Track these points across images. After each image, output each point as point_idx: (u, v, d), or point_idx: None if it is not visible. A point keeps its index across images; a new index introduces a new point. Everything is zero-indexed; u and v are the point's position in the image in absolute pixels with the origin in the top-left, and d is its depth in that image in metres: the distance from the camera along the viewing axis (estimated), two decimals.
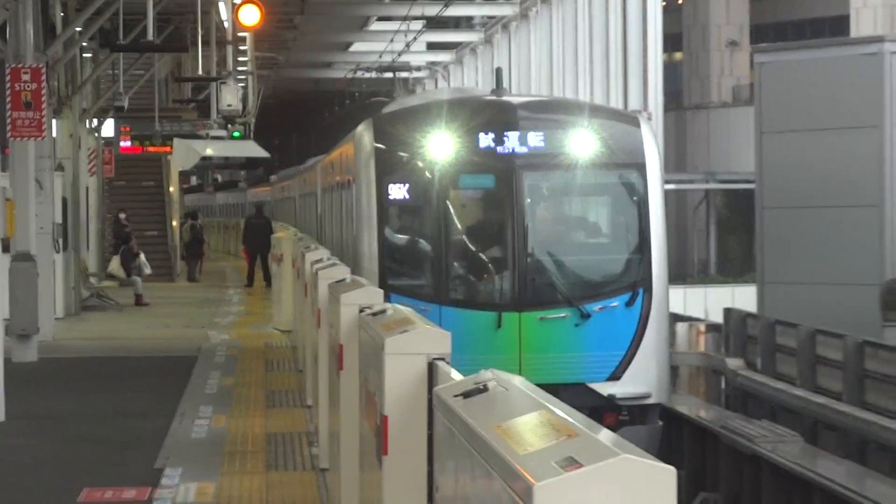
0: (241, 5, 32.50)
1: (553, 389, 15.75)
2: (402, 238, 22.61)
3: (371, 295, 14.96)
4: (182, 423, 23.00)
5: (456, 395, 7.92)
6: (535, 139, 21.46)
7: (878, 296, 39.81)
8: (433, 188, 21.39)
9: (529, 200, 21.31)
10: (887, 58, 41.70)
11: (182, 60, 44.16)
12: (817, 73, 44.10)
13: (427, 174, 21.48)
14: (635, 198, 21.58)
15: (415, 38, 61.55)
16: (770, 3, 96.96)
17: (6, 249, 27.10)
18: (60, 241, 37.96)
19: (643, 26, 36.12)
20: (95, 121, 48.65)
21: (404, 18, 54.65)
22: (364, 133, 22.31)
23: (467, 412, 7.22)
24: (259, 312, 43.17)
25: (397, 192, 21.75)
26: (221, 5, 34.44)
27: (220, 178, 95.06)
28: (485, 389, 7.51)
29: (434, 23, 55.28)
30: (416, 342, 10.59)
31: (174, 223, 62.23)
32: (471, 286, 21.92)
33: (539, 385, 18.44)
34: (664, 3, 35.61)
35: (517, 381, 7.83)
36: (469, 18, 62.14)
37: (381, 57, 64.51)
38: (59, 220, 37.40)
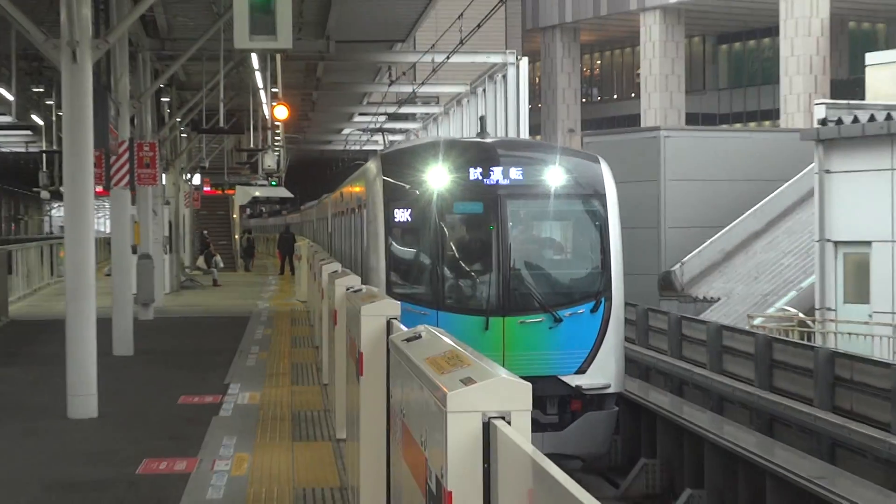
0: (275, 106, 32.68)
1: (531, 380, 16.38)
2: (404, 254, 19.35)
3: (355, 280, 14.71)
4: (240, 357, 22.75)
5: (402, 340, 7.97)
6: (516, 173, 18.41)
7: (657, 280, 42.11)
8: (431, 213, 18.36)
9: (511, 224, 18.49)
10: (662, 139, 44.95)
11: (241, 138, 45.04)
12: (623, 148, 44.69)
13: (425, 201, 18.41)
14: (597, 222, 18.67)
15: (384, 122, 54.89)
16: (593, 106, 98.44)
17: (134, 252, 26.15)
18: (167, 247, 38.70)
19: (517, 122, 34.59)
20: (188, 175, 51.34)
21: (375, 113, 52.00)
22: (373, 167, 19.62)
23: (408, 350, 7.40)
24: (287, 291, 42.29)
25: (401, 215, 18.53)
26: (265, 106, 35.10)
27: (264, 209, 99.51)
28: (419, 337, 7.76)
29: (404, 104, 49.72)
30: (379, 308, 10.49)
31: (236, 236, 69.15)
32: (463, 294, 18.94)
33: (518, 377, 17.46)
34: (529, 107, 34.38)
35: (438, 331, 8.08)
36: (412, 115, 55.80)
37: (367, 133, 61.64)
38: (166, 234, 38.56)
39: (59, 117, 34.57)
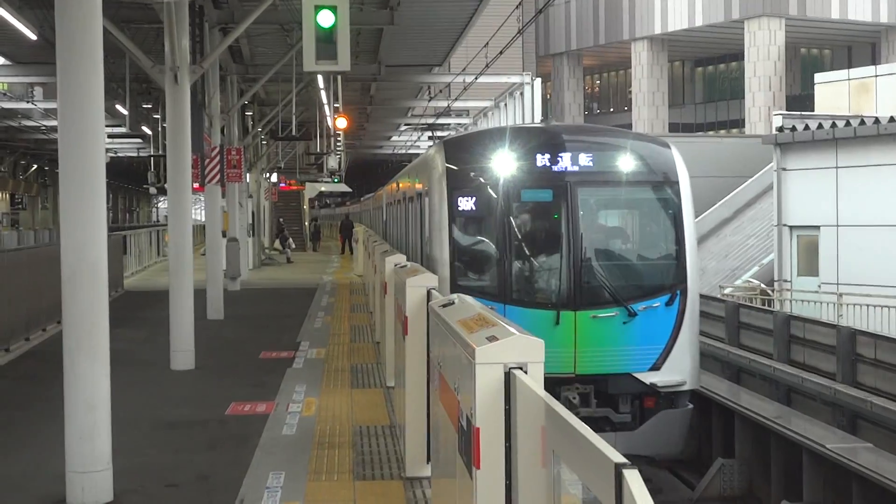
0: (336, 118, 32.72)
1: (603, 378, 13.88)
2: (469, 244, 15.93)
3: (401, 258, 14.39)
4: (309, 320, 22.66)
5: (439, 306, 7.87)
6: (585, 159, 15.12)
7: None
8: (497, 201, 15.18)
9: (582, 212, 15.17)
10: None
11: (309, 144, 45.09)
12: None
13: (491, 189, 15.26)
14: (671, 211, 15.33)
15: (433, 123, 51.69)
16: (594, 118, 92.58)
17: (224, 236, 26.20)
18: (250, 232, 38.64)
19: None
20: (267, 174, 51.26)
21: (418, 125, 53.11)
22: (435, 155, 16.28)
23: (444, 314, 7.35)
24: (346, 267, 41.86)
25: (465, 204, 15.32)
26: (328, 118, 35.15)
27: (328, 201, 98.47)
28: (452, 303, 7.70)
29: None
30: (421, 280, 10.38)
31: (305, 223, 68.65)
32: (531, 288, 15.58)
33: (591, 375, 14.05)
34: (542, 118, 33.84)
35: (469, 299, 7.95)
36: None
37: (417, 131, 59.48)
38: (249, 222, 38.53)
39: (163, 128, 34.89)
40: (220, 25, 22.94)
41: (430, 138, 50.69)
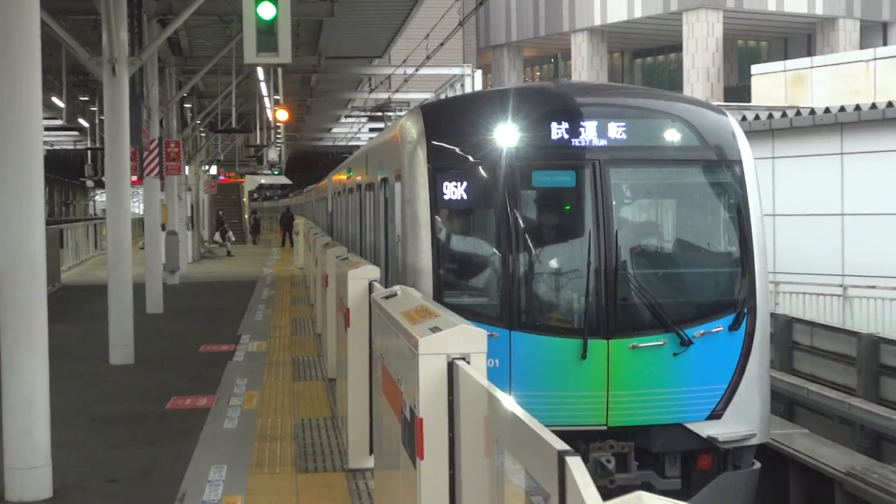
0: (277, 110, 32.62)
1: (645, 431, 9.58)
2: (459, 247, 11.45)
3: (342, 250, 13.86)
4: (249, 313, 22.56)
5: (382, 298, 7.68)
6: (616, 130, 10.56)
7: None
8: (498, 187, 10.59)
9: (616, 203, 10.68)
10: None
11: (249, 136, 44.99)
12: None
13: (489, 170, 10.67)
14: (733, 200, 10.82)
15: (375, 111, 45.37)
16: None
17: (163, 229, 25.81)
18: (190, 225, 38.37)
19: None
20: (207, 166, 50.77)
21: (359, 115, 49.92)
22: (411, 125, 11.21)
23: (387, 306, 7.20)
24: (287, 259, 42.03)
25: (453, 191, 10.71)
26: (269, 110, 35.10)
27: (268, 193, 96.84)
28: (395, 295, 7.53)
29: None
30: (363, 273, 9.97)
31: (245, 216, 68.67)
32: (548, 307, 10.92)
33: (629, 427, 9.55)
34: None
35: (411, 291, 7.73)
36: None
37: (353, 129, 60.84)
38: (189, 214, 38.21)
39: (100, 121, 34.75)
40: (158, 17, 22.75)
41: (376, 118, 48.56)
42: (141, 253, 23.32)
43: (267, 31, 11.45)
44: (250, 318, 21.52)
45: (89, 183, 52.41)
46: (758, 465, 10.07)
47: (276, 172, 58.20)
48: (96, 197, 74.00)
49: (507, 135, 10.04)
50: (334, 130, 65.10)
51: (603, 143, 9.99)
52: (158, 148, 23.73)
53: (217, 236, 51.86)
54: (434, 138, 10.21)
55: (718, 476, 9.73)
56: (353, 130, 62.65)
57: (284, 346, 17.41)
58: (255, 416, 11.96)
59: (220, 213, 57.84)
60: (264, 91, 31.57)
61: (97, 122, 37.03)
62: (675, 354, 9.60)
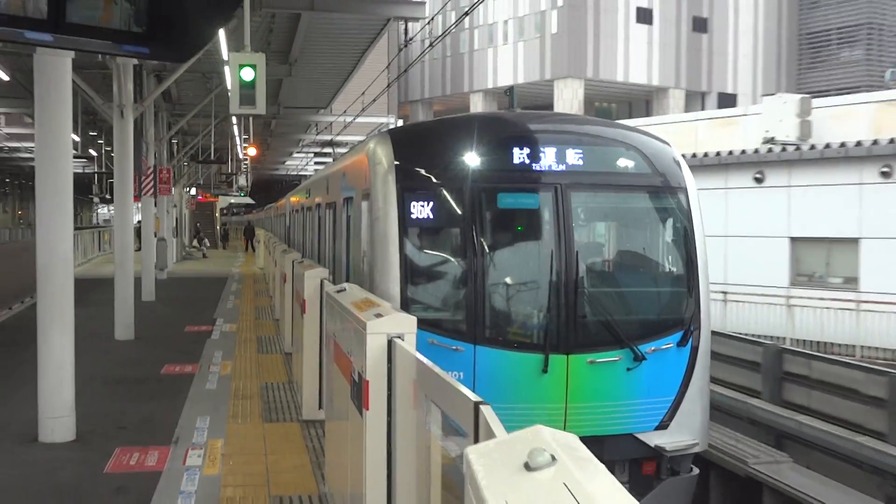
0: (247, 147, 32.58)
1: (598, 441, 7.95)
2: (426, 264, 9.18)
3: (296, 255, 13.87)
4: (222, 302, 22.41)
5: (334, 292, 7.42)
6: (574, 157, 8.94)
7: None
8: (464, 208, 8.79)
9: (576, 225, 8.95)
10: None
11: (222, 166, 44.37)
12: None
13: (455, 192, 8.83)
14: (680, 225, 9.36)
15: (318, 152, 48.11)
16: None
17: (155, 236, 25.32)
18: (175, 233, 37.62)
19: None
20: (189, 188, 49.75)
21: (307, 152, 51.09)
22: (378, 148, 9.24)
23: (339, 298, 6.96)
24: (250, 262, 40.91)
25: (420, 211, 8.80)
26: (238, 147, 34.69)
27: (235, 210, 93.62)
28: (344, 290, 7.32)
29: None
30: (316, 273, 10.00)
31: (217, 227, 65.98)
32: (511, 323, 8.98)
33: (582, 438, 8.41)
34: None
35: (356, 287, 7.41)
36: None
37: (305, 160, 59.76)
38: (174, 225, 37.41)
39: (107, 151, 34.30)
40: (155, 73, 22.55)
41: (321, 155, 48.23)
42: (138, 254, 22.95)
43: (247, 90, 11.50)
44: (223, 305, 21.37)
45: (95, 199, 51.50)
46: (696, 470, 8.61)
47: (242, 194, 57.59)
48: (99, 210, 72.70)
49: (471, 158, 8.49)
50: (287, 163, 64.54)
51: (562, 167, 8.50)
52: (153, 174, 23.51)
53: (195, 242, 50.77)
54: (401, 160, 8.55)
55: (664, 481, 8.36)
56: (302, 163, 61.99)
57: (250, 328, 17.28)
58: (229, 380, 11.97)
59: (198, 224, 56.42)
60: (236, 132, 31.33)
61: (103, 152, 36.55)
62: (628, 369, 8.21)
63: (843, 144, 23.36)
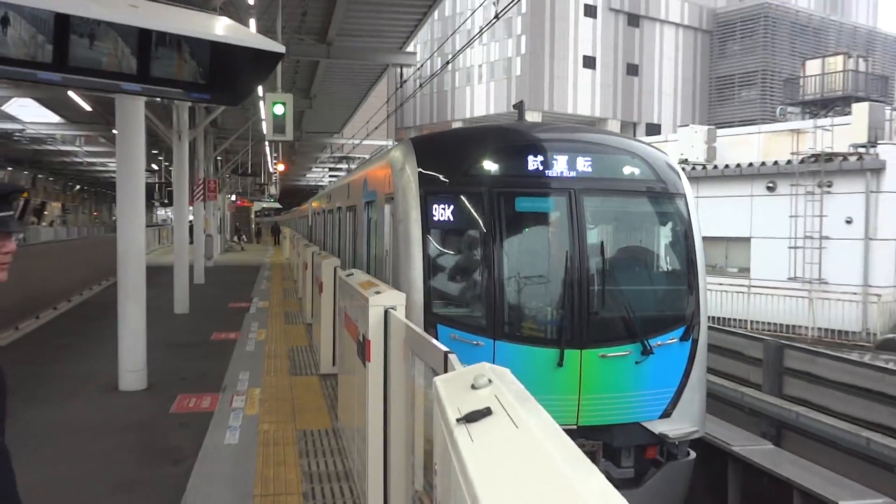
0: (277, 164, 32.17)
1: (608, 430, 7.17)
2: (447, 264, 7.46)
3: (316, 248, 13.79)
4: (257, 284, 22.20)
5: (345, 276, 7.41)
6: (584, 164, 7.50)
7: None
8: (483, 211, 7.24)
9: (588, 227, 7.45)
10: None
11: (257, 178, 44.15)
12: None
13: (474, 196, 7.28)
14: (681, 227, 7.83)
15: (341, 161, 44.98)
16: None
17: (205, 232, 25.08)
18: (219, 230, 37.00)
19: None
20: (230, 195, 48.45)
21: (323, 167, 50.38)
22: (401, 155, 7.76)
23: (349, 280, 6.85)
24: (278, 254, 39.90)
25: (442, 213, 7.27)
26: (270, 163, 34.55)
27: (266, 213, 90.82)
28: (352, 274, 7.21)
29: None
30: (331, 262, 10.00)
31: (252, 226, 64.89)
32: (529, 320, 7.37)
33: (593, 427, 6.86)
34: None
35: (361, 272, 7.31)
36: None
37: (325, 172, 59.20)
38: (219, 224, 36.82)
39: (166, 166, 34.16)
40: (205, 105, 22.56)
41: (335, 169, 47.83)
42: (191, 247, 23.00)
43: (279, 121, 11.47)
44: (257, 287, 21.26)
45: (156, 204, 51.24)
46: (693, 454, 7.47)
47: (272, 200, 57.24)
48: (158, 212, 72.20)
49: (489, 165, 7.35)
50: (308, 175, 64.17)
51: (574, 174, 7.39)
52: (203, 184, 23.52)
53: (235, 238, 50.64)
54: (423, 166, 7.39)
55: (665, 465, 7.27)
56: (319, 175, 61.62)
57: (279, 304, 17.21)
58: (263, 344, 11.96)
59: (237, 224, 56.10)
60: (268, 151, 31.35)
61: (163, 167, 36.46)
62: (636, 362, 7.18)
63: (738, 165, 23.80)
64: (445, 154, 7.60)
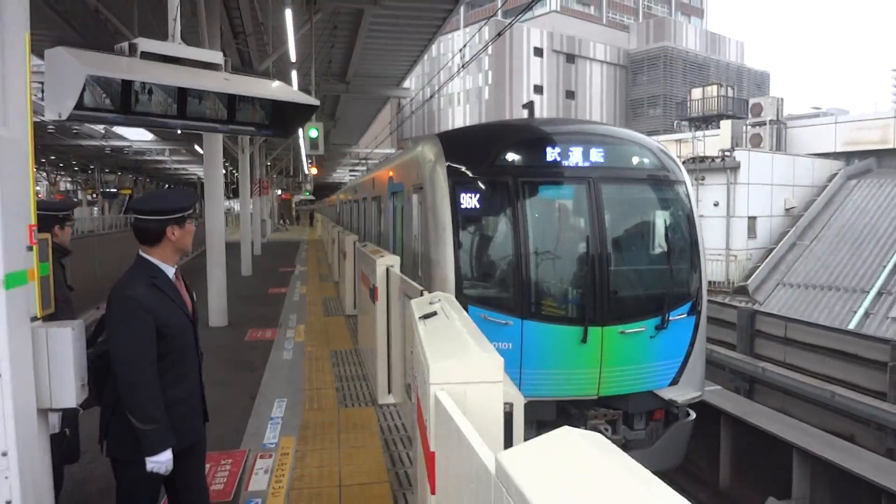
0: (311, 167, 31.63)
1: (624, 398, 5.99)
2: (477, 248, 5.79)
3: (340, 228, 13.30)
4: (298, 253, 21.83)
5: (361, 246, 7.50)
6: (598, 154, 5.87)
7: None
8: (508, 199, 5.66)
9: (608, 213, 5.79)
10: None
11: (296, 178, 43.95)
12: None
13: (500, 186, 5.70)
14: (684, 211, 6.16)
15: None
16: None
17: (258, 219, 24.41)
18: (270, 216, 35.98)
19: None
20: (278, 190, 47.80)
21: (346, 169, 49.30)
22: (428, 149, 6.23)
23: (363, 250, 6.99)
24: (312, 233, 38.42)
25: (469, 202, 5.63)
26: (306, 166, 34.61)
27: (304, 203, 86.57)
28: (366, 245, 7.30)
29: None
30: (351, 238, 9.71)
31: (293, 213, 63.26)
32: (554, 299, 5.73)
33: (612, 396, 5.81)
34: None
35: (370, 244, 7.31)
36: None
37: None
38: (269, 211, 35.57)
39: (232, 172, 34.09)
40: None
41: (354, 170, 46.49)
42: (252, 228, 23.17)
43: (314, 141, 11.48)
44: (299, 256, 20.96)
45: (225, 199, 50.92)
46: (693, 414, 6.19)
47: (308, 194, 57.09)
48: (225, 203, 71.27)
49: (512, 156, 6.03)
50: (334, 175, 63.99)
51: (589, 164, 6.07)
52: (259, 183, 23.84)
53: (280, 221, 50.52)
54: (451, 160, 6.08)
55: (672, 426, 6.10)
56: (342, 174, 61.24)
57: (315, 269, 16.83)
58: (305, 297, 11.78)
59: (282, 212, 55.65)
60: (304, 159, 31.40)
61: (229, 171, 36.30)
62: (651, 337, 6.01)
63: None
64: (470, 147, 6.25)
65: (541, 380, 4.74)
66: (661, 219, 6.42)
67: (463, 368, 1.88)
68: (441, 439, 1.86)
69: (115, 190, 44.46)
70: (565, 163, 5.96)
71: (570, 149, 6.00)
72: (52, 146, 32.20)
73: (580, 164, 5.98)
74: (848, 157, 22.77)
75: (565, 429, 1.38)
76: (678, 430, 6.03)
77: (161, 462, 2.60)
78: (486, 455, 1.42)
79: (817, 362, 9.47)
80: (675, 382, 6.12)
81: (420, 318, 2.66)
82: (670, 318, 5.98)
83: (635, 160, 6.22)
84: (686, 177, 6.41)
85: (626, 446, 5.73)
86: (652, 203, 6.34)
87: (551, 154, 5.97)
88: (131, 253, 2.90)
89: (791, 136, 24.47)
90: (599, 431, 5.24)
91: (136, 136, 33.69)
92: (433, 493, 2.02)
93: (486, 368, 1.86)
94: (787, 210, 21.27)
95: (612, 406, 5.87)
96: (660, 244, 6.36)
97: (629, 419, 6.00)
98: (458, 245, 5.76)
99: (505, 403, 1.90)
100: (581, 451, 1.24)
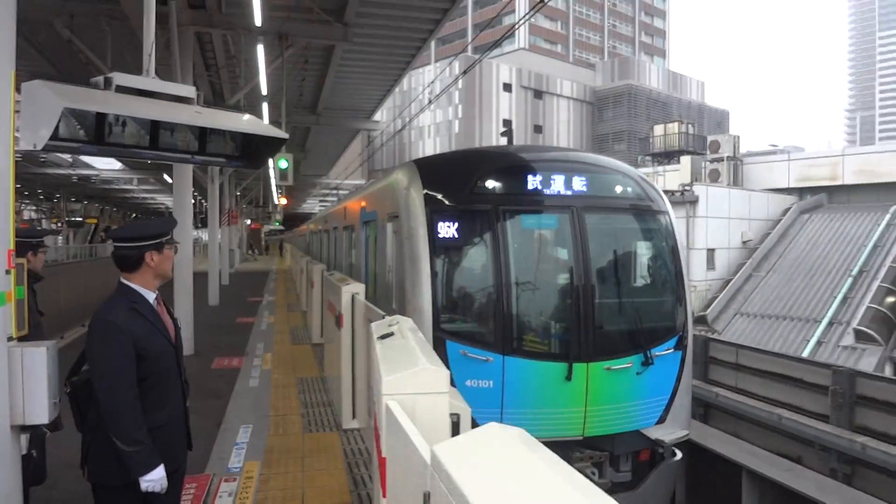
0: (281, 197, 31.48)
1: (610, 439, 5.44)
2: (455, 281, 5.18)
3: (308, 257, 13.33)
4: (268, 283, 21.58)
5: (328, 274, 7.48)
6: (581, 183, 5.31)
7: None
8: (488, 229, 5.10)
9: (591, 244, 5.17)
10: None
11: (266, 208, 43.71)
12: None
13: (479, 214, 5.13)
14: (668, 242, 5.61)
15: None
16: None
17: (228, 249, 24.56)
18: (239, 245, 35.52)
19: None
20: (247, 220, 46.89)
21: (315, 199, 48.85)
22: (404, 176, 5.60)
23: (331, 279, 6.89)
24: (281, 263, 38.72)
25: (447, 231, 5.04)
26: (275, 196, 34.51)
27: (273, 233, 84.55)
28: (332, 274, 7.37)
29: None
30: (319, 267, 9.72)
31: (262, 243, 62.70)
32: (537, 334, 5.11)
33: (597, 437, 5.29)
34: None
35: (337, 273, 7.36)
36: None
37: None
38: (238, 241, 34.93)
39: (201, 202, 33.80)
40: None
41: (323, 201, 46.70)
42: (220, 257, 22.98)
43: (283, 171, 11.52)
44: (267, 286, 20.78)
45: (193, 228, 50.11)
46: (680, 454, 5.57)
47: (277, 224, 56.61)
48: (194, 233, 70.03)
49: (492, 184, 5.55)
50: (303, 206, 63.75)
51: (571, 192, 5.61)
52: (228, 213, 23.76)
53: (249, 251, 49.84)
54: (428, 187, 5.60)
55: (660, 466, 5.51)
56: (311, 205, 60.97)
57: (283, 298, 16.77)
58: (273, 326, 11.77)
59: (251, 241, 55.05)
60: (274, 190, 31.35)
61: (198, 200, 36.03)
62: (637, 373, 5.49)
63: None
64: (449, 174, 5.77)
65: (523, 420, 4.34)
66: (646, 250, 6.00)
67: (412, 380, 2.03)
68: (391, 445, 2.00)
69: (80, 219, 43.93)
70: (547, 191, 5.53)
71: (553, 177, 5.58)
72: (18, 174, 32.21)
73: (563, 193, 5.56)
74: (801, 192, 23.43)
75: (493, 424, 1.50)
76: (666, 470, 5.51)
77: (155, 480, 2.60)
78: (424, 449, 1.57)
79: (765, 387, 9.64)
80: (661, 421, 5.64)
81: (378, 337, 2.85)
82: (657, 354, 5.52)
83: (619, 189, 5.80)
84: (669, 207, 6.02)
85: (611, 490, 5.18)
86: (637, 233, 5.90)
87: (533, 182, 5.53)
88: (97, 284, 2.99)
89: (748, 171, 25.23)
90: (585, 475, 4.38)
91: (104, 164, 33.18)
92: (384, 496, 2.15)
93: (433, 381, 2.02)
94: (743, 243, 21.71)
95: (597, 447, 5.39)
96: (645, 276, 5.96)
97: (615, 460, 5.49)
98: (434, 276, 5.28)
99: (452, 414, 2.05)
100: (506, 443, 1.38)
